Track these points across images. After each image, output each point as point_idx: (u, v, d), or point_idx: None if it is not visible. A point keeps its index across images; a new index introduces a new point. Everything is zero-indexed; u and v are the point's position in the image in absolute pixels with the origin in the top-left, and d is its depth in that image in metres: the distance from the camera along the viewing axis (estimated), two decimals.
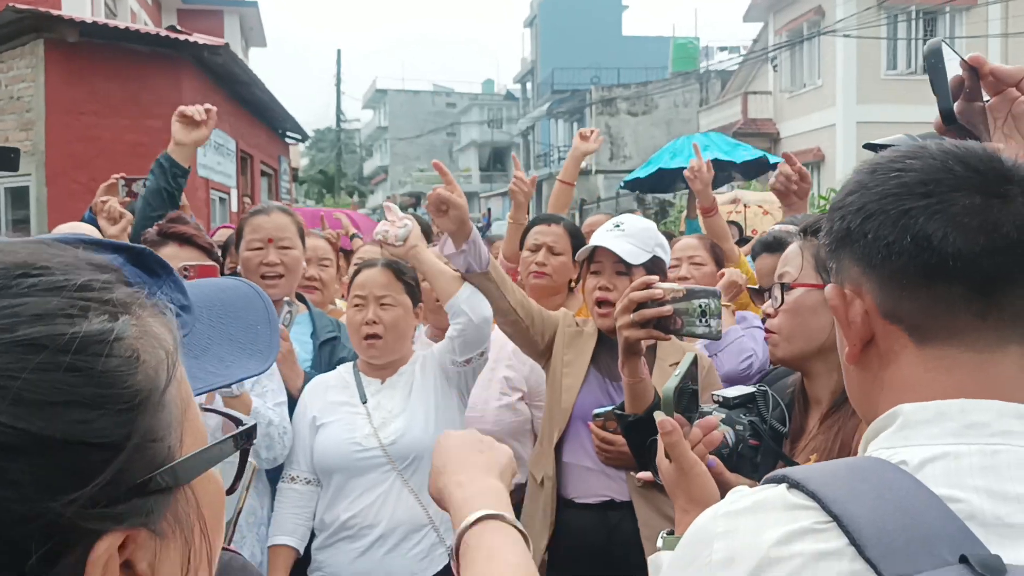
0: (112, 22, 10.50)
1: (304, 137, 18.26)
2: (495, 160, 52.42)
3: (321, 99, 63.97)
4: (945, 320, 0.84)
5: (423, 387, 2.79)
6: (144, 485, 0.53)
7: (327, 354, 3.06)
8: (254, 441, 0.68)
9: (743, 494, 0.85)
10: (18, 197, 9.43)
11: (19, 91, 9.24)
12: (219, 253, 2.65)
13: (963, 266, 0.81)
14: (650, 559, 1.29)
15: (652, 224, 2.87)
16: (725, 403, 1.59)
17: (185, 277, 2.41)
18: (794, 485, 0.80)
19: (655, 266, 2.67)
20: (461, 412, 2.83)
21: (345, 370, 2.86)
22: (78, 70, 9.11)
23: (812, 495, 0.77)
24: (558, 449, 2.71)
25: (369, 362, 2.80)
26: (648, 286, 1.83)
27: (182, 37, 9.44)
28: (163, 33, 9.68)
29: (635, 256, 2.61)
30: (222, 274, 3.22)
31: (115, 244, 0.71)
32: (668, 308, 1.76)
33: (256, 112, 13.87)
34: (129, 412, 0.52)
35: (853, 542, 0.73)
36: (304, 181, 43.81)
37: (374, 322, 2.71)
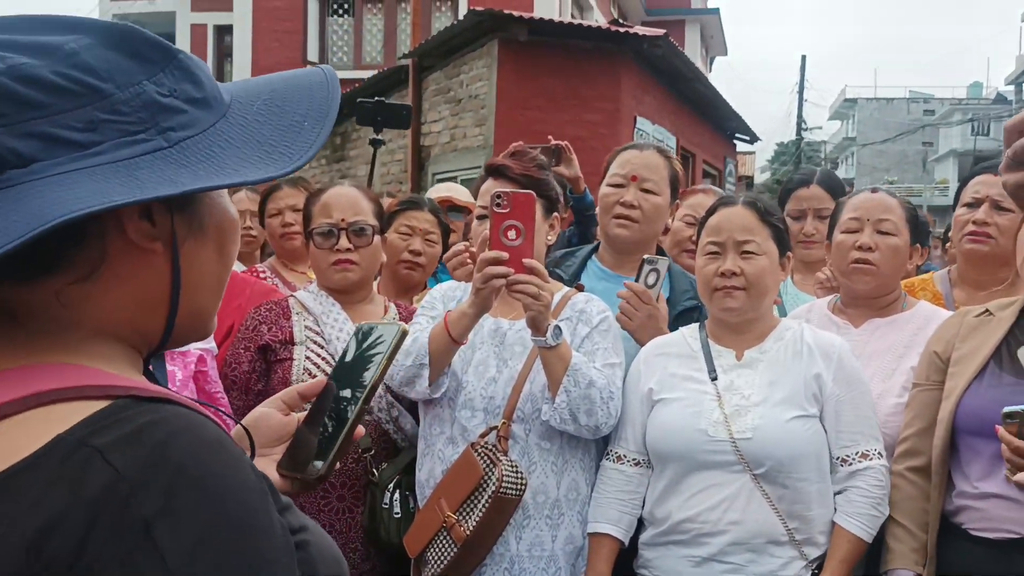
0: (559, 18, 10.91)
1: (753, 138, 17.62)
2: None
3: (785, 110, 62.70)
4: None
5: (791, 372, 2.18)
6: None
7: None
8: None
9: None
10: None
11: (476, 89, 9.95)
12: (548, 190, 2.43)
13: None
14: None
15: None
16: None
17: (497, 206, 2.14)
18: None
19: None
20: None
21: (690, 333, 2.34)
22: (526, 67, 9.53)
23: None
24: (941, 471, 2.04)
25: (724, 320, 2.27)
26: None
27: (622, 30, 9.46)
28: (604, 26, 9.78)
29: None
30: None
31: (79, 21, 0.74)
32: None
33: (699, 110, 13.59)
34: None
35: None
36: (759, 192, 43.04)
37: (733, 273, 2.18)
